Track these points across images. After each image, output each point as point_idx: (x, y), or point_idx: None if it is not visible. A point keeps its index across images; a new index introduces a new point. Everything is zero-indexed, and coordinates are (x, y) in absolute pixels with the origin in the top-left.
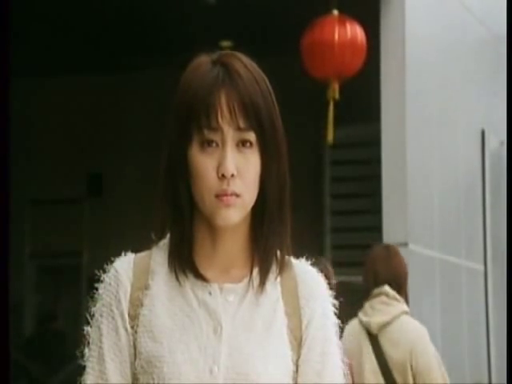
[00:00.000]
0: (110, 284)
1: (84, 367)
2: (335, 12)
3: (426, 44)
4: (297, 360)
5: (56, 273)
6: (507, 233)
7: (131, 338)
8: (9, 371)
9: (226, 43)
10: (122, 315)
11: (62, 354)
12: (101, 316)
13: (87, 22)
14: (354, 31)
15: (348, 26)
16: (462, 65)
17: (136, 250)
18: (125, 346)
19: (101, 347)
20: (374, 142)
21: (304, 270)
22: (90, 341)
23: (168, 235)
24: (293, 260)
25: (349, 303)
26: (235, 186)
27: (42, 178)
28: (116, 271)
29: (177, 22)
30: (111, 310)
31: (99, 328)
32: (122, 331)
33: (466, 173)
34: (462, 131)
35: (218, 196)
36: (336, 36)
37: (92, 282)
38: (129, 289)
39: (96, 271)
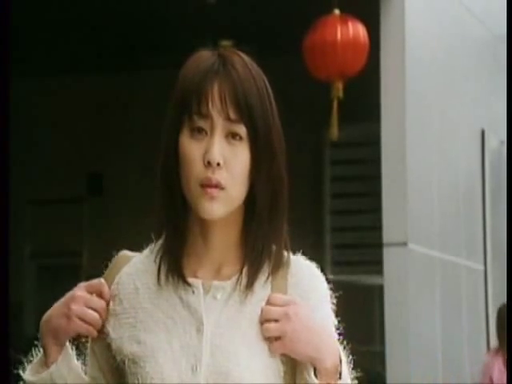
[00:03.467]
0: None
1: None
2: (337, 11)
3: (425, 44)
4: (289, 360)
5: (56, 273)
6: (507, 233)
7: (105, 349)
8: (8, 371)
9: (225, 43)
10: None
11: None
12: None
13: (87, 22)
14: (356, 30)
15: (350, 26)
16: (461, 65)
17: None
18: (97, 354)
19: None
20: (373, 142)
21: (300, 266)
22: None
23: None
24: (291, 256)
25: (348, 303)
26: (221, 176)
27: (42, 178)
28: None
29: (177, 22)
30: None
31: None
32: (95, 349)
33: (466, 172)
34: (462, 131)
35: (202, 186)
36: (338, 36)
37: None
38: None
39: (97, 272)
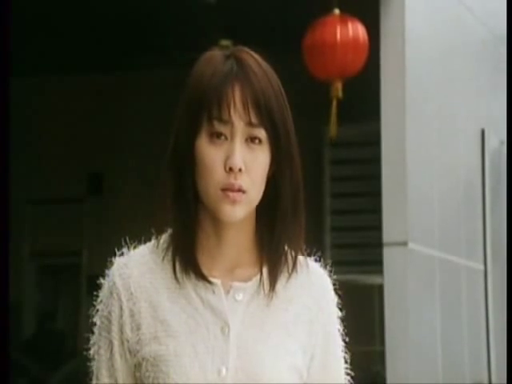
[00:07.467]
0: (105, 297)
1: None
2: (337, 11)
3: (426, 44)
4: (308, 363)
5: (56, 273)
6: (507, 233)
7: (130, 355)
8: (8, 371)
9: (225, 42)
10: (119, 337)
11: (61, 354)
12: (99, 334)
13: (87, 22)
14: (356, 30)
15: (350, 25)
16: (462, 65)
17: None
18: (120, 366)
19: (97, 366)
20: (373, 141)
21: (320, 273)
22: (91, 352)
23: (166, 233)
24: (309, 261)
25: (348, 302)
26: (242, 180)
27: (42, 178)
28: (113, 281)
29: (177, 22)
30: (108, 333)
31: (98, 345)
32: (117, 356)
33: (466, 172)
34: (462, 131)
35: (224, 190)
36: (338, 36)
37: (92, 282)
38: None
39: (97, 272)
